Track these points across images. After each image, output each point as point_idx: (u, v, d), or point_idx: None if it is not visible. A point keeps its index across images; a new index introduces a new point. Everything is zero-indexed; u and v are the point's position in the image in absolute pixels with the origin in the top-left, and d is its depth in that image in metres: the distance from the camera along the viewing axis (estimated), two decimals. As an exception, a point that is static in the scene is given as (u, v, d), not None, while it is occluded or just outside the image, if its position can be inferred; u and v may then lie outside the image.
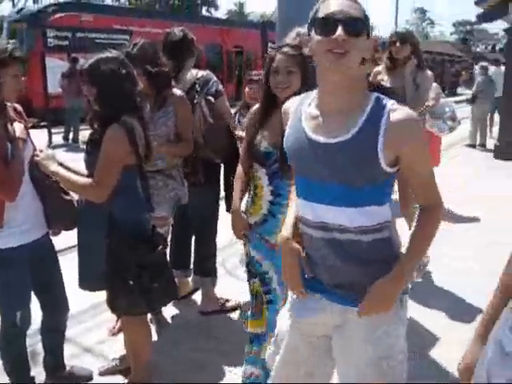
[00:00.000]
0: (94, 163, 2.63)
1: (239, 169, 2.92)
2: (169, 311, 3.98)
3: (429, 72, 4.57)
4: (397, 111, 1.75)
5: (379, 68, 4.84)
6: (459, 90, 32.35)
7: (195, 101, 3.72)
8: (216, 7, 56.01)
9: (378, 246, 1.82)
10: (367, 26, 1.74)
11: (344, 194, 1.77)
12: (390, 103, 1.77)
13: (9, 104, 2.73)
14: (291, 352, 2.04)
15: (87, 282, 2.99)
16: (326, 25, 1.69)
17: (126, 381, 3.10)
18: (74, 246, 3.18)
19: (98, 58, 2.68)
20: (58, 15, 17.45)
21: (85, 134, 4.25)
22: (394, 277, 1.80)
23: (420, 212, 1.92)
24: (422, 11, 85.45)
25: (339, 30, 1.66)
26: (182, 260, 4.20)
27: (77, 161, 3.12)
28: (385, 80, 4.62)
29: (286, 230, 2.01)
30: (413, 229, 1.91)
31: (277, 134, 2.47)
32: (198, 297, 4.27)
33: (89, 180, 2.64)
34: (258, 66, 23.93)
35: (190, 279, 4.29)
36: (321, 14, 1.72)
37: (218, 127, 3.78)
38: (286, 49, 2.69)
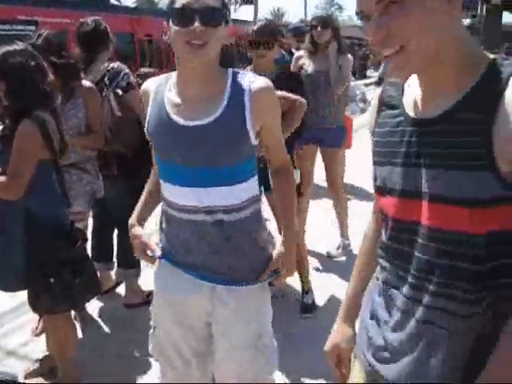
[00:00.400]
0: (6, 160, 2.55)
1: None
2: (93, 306, 3.93)
3: (349, 55, 4.69)
4: (256, 82, 1.81)
5: (300, 53, 4.93)
6: (368, 72, 33.23)
7: (103, 93, 3.67)
8: (125, -5, 54.75)
9: (244, 224, 1.89)
10: (225, 14, 1.76)
11: (211, 175, 1.81)
12: (247, 76, 1.83)
13: None
14: (172, 346, 2.07)
15: (6, 282, 2.87)
16: (183, 16, 1.68)
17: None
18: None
19: (5, 50, 2.59)
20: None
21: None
22: (286, 247, 1.98)
23: (275, 178, 2.07)
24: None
25: (196, 22, 1.66)
26: (104, 253, 4.15)
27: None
28: (307, 64, 4.70)
29: (135, 214, 2.08)
30: (277, 197, 2.08)
31: None
32: (121, 290, 4.24)
33: (2, 178, 2.55)
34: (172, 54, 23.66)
35: (113, 272, 4.25)
36: (177, 5, 1.70)
37: (126, 121, 3.72)
38: None
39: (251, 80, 1.81)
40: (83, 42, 3.70)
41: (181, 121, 1.80)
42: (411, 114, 1.23)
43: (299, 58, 4.84)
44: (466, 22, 12.74)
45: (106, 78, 3.72)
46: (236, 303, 1.92)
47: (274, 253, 1.98)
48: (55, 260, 2.61)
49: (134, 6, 51.01)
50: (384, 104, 1.34)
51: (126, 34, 21.80)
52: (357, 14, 1.13)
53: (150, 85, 1.95)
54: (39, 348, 3.40)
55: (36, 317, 3.55)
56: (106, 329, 3.77)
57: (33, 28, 17.01)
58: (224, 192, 1.83)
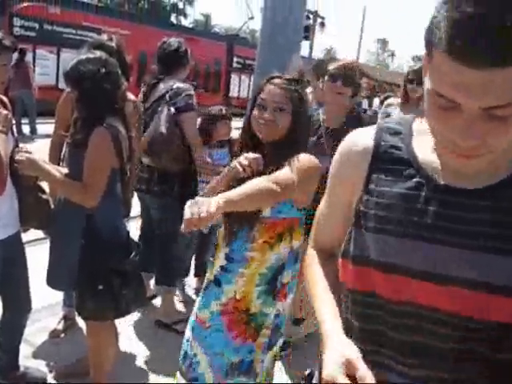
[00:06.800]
0: (76, 164, 2.58)
1: None
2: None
3: None
4: None
5: (391, 100, 5.00)
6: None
7: (159, 108, 3.69)
8: (185, 15, 55.77)
9: None
10: None
11: None
12: None
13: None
14: None
15: (57, 280, 2.89)
16: None
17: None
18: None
19: (78, 59, 2.60)
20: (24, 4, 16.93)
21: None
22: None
23: None
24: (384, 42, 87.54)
25: None
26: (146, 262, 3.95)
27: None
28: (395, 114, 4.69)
29: None
30: None
31: None
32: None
33: (77, 185, 2.55)
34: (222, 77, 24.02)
35: (152, 283, 4.26)
36: None
37: (167, 139, 3.61)
38: (277, 80, 2.23)
39: None
40: (162, 59, 3.87)
41: None
42: (439, 179, 1.07)
43: (389, 105, 4.87)
44: None
45: (167, 96, 3.72)
46: None
47: None
48: (108, 268, 2.60)
49: (191, 26, 52.05)
50: (385, 153, 1.15)
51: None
52: (440, 95, 0.93)
53: None
54: (70, 349, 3.42)
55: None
56: (136, 341, 3.76)
57: (95, 35, 17.39)
58: None
